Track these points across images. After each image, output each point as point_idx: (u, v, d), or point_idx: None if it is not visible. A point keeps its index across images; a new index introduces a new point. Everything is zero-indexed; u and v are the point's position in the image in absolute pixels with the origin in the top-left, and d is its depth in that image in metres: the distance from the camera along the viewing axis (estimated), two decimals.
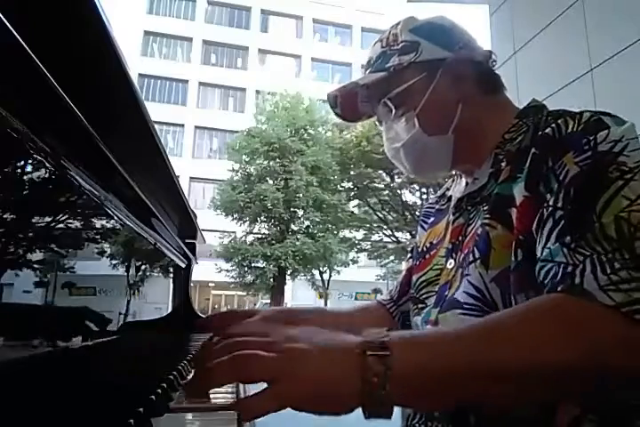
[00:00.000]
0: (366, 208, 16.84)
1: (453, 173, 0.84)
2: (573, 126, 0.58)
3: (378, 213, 16.60)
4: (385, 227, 16.55)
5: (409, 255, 0.93)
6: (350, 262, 17.33)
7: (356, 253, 17.56)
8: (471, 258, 0.64)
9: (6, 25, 0.37)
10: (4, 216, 0.41)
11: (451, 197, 0.81)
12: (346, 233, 16.67)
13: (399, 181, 15.66)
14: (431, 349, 0.43)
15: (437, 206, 0.87)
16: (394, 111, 0.73)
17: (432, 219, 0.87)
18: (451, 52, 0.71)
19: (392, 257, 16.99)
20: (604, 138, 0.55)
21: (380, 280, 19.17)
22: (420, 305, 0.76)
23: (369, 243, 17.31)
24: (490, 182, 0.68)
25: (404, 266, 0.94)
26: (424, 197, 16.23)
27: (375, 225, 16.76)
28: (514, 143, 0.67)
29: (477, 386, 0.42)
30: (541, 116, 0.66)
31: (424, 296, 0.76)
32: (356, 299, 22.37)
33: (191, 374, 0.56)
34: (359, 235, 17.09)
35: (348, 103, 0.79)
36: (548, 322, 0.44)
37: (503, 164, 0.67)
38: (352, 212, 16.68)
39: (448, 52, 0.71)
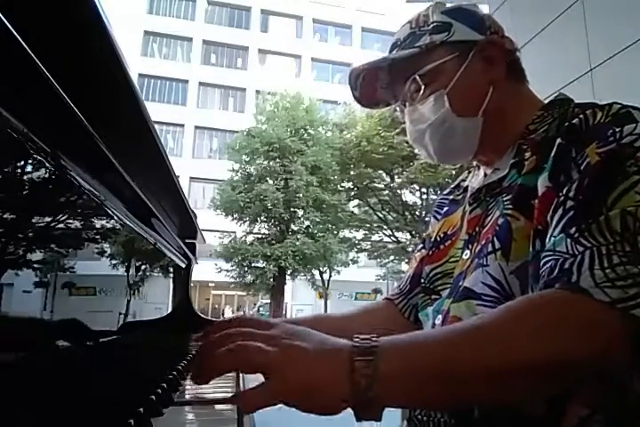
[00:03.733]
0: (366, 208, 16.83)
1: (473, 164, 0.82)
2: (601, 117, 0.57)
3: (378, 213, 16.59)
4: (385, 227, 16.55)
5: (420, 246, 0.90)
6: (350, 262, 17.32)
7: (356, 253, 17.56)
8: (490, 248, 0.62)
9: (6, 25, 0.37)
10: (4, 216, 0.41)
11: (467, 187, 0.80)
12: (346, 233, 16.67)
13: (399, 181, 15.65)
14: (418, 351, 0.45)
15: (452, 197, 0.85)
16: (422, 89, 0.71)
17: (446, 209, 0.85)
18: (482, 36, 0.70)
19: (392, 257, 16.99)
20: (631, 131, 0.54)
21: (380, 280, 19.16)
22: (433, 296, 0.75)
23: (369, 243, 17.30)
24: (511, 173, 0.67)
25: (416, 256, 0.89)
26: (424, 197, 16.23)
27: (375, 225, 16.75)
28: (538, 133, 0.66)
29: (465, 388, 0.44)
30: (568, 107, 0.65)
31: (439, 288, 0.74)
32: (356, 299, 22.36)
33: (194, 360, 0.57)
34: (359, 235, 17.08)
35: (368, 87, 0.77)
36: (544, 320, 0.45)
37: (527, 154, 0.65)
38: (352, 212, 16.66)
39: (480, 35, 0.70)
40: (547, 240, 0.54)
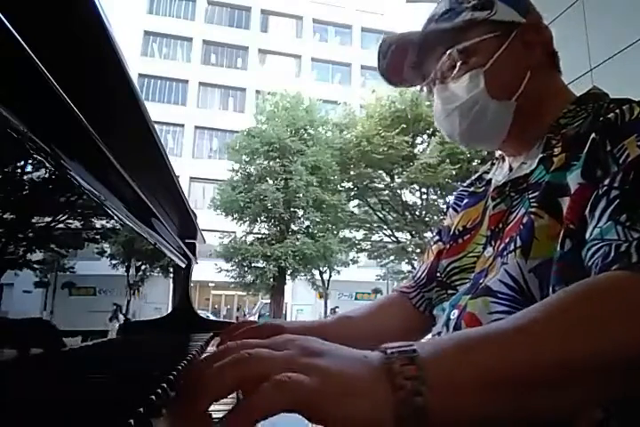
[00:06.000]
0: (366, 208, 16.84)
1: (496, 154, 0.80)
2: (639, 113, 0.55)
3: (378, 213, 16.60)
4: (385, 227, 16.56)
5: (436, 238, 0.88)
6: (350, 262, 17.32)
7: (356, 253, 17.56)
8: (512, 247, 0.61)
9: (6, 25, 0.37)
10: (4, 216, 0.41)
11: (490, 180, 0.77)
12: (346, 233, 16.67)
13: (399, 181, 15.66)
14: (473, 347, 0.36)
15: (472, 189, 0.83)
16: (458, 66, 0.69)
17: (465, 201, 0.82)
18: (523, 19, 0.69)
19: (392, 257, 16.99)
20: None
21: (380, 280, 19.17)
22: (449, 291, 0.73)
23: (369, 243, 17.31)
24: (539, 169, 0.64)
25: (433, 249, 0.86)
26: (424, 197, 16.23)
27: (375, 225, 16.76)
28: (571, 128, 0.64)
29: (545, 388, 0.35)
30: (603, 102, 0.63)
31: (456, 282, 0.73)
32: (356, 299, 22.36)
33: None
34: (359, 235, 17.08)
35: (396, 64, 0.76)
36: (612, 303, 0.38)
37: (556, 150, 0.63)
38: (352, 212, 16.67)
39: (521, 18, 0.69)
40: (589, 232, 0.51)
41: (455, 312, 0.66)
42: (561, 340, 0.36)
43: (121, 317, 0.81)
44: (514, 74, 0.68)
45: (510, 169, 0.72)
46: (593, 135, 0.57)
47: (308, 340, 0.36)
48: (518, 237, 0.60)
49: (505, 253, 0.62)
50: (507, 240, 0.63)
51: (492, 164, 0.82)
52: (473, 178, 0.86)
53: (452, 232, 0.80)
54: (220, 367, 0.33)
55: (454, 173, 14.18)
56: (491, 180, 0.77)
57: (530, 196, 0.63)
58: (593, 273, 0.47)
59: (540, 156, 0.64)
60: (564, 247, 0.55)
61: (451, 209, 0.87)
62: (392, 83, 0.81)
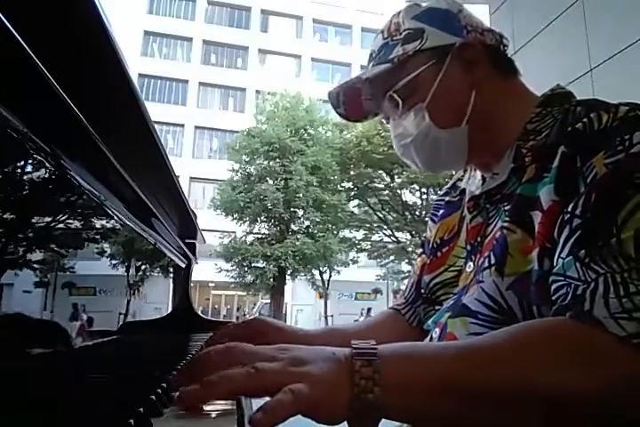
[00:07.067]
0: (366, 208, 16.83)
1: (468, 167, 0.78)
2: (607, 122, 0.53)
3: (378, 213, 16.59)
4: (385, 227, 16.55)
5: (420, 250, 0.87)
6: (350, 262, 17.30)
7: (356, 253, 17.54)
8: (486, 264, 0.59)
9: (6, 25, 0.37)
10: (5, 216, 0.41)
11: (464, 190, 0.75)
12: (346, 233, 16.66)
13: (399, 181, 15.66)
14: (423, 360, 0.43)
15: (448, 198, 0.81)
16: (401, 105, 0.67)
17: (442, 211, 0.81)
18: (459, 37, 0.66)
19: (392, 257, 16.99)
20: None
21: (380, 280, 19.16)
22: (436, 307, 0.72)
23: (369, 243, 17.30)
24: (511, 180, 0.62)
25: (418, 262, 0.86)
26: (424, 197, 16.23)
27: (375, 225, 16.76)
28: (540, 137, 0.61)
29: (467, 405, 0.41)
30: (569, 106, 0.60)
31: (441, 298, 0.71)
32: (356, 299, 22.35)
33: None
34: (359, 235, 17.07)
35: (352, 102, 0.74)
36: (551, 349, 0.43)
37: (527, 159, 0.61)
38: (352, 212, 16.66)
39: (456, 37, 0.66)
40: (554, 260, 0.51)
41: (437, 330, 0.66)
42: (486, 372, 0.42)
43: (83, 316, 0.80)
44: (458, 98, 0.66)
45: (483, 179, 0.71)
46: (563, 148, 0.55)
47: (294, 350, 0.43)
48: (492, 254, 0.59)
49: (480, 269, 0.61)
50: (486, 254, 0.61)
51: (465, 170, 0.80)
52: (447, 186, 0.85)
53: (430, 245, 0.79)
54: (229, 376, 0.38)
55: (454, 172, 14.16)
56: (464, 189, 0.75)
57: (505, 208, 0.62)
58: (552, 309, 0.49)
59: (511, 166, 0.63)
60: (542, 267, 0.53)
61: (430, 221, 0.86)
62: (356, 120, 0.80)
